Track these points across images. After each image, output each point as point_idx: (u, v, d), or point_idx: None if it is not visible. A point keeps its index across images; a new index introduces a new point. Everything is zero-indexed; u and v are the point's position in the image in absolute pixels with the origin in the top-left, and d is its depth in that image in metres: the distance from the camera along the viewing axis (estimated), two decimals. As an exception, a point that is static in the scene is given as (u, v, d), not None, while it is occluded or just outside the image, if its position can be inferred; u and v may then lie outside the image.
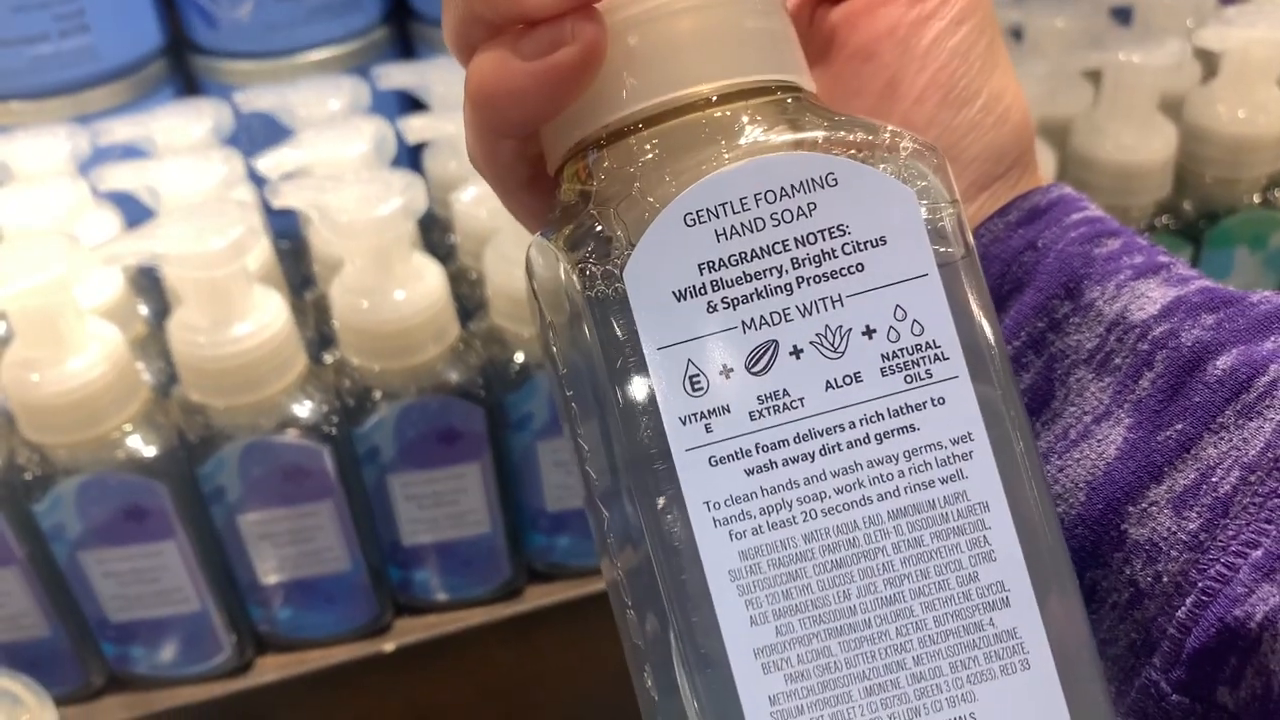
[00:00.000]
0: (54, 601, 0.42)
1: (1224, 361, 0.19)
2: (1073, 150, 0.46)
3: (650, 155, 0.17)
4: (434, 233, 0.49)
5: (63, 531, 0.40)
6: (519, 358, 0.42)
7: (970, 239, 0.17)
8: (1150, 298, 0.20)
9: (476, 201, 0.39)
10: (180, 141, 0.45)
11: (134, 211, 0.44)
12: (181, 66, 0.55)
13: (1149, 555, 0.19)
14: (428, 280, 0.40)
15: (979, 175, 0.22)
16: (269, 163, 0.41)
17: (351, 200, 0.38)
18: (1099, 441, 0.20)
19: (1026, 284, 0.21)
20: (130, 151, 0.45)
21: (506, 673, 0.48)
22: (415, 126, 0.43)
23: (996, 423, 0.16)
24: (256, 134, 0.46)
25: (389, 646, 0.45)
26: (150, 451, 0.39)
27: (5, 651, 0.42)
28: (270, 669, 0.45)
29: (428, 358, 0.41)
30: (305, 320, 0.46)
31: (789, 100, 0.18)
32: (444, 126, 0.44)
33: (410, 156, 0.50)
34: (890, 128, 0.17)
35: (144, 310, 0.46)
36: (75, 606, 0.42)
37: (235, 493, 0.41)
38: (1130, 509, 0.19)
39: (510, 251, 0.41)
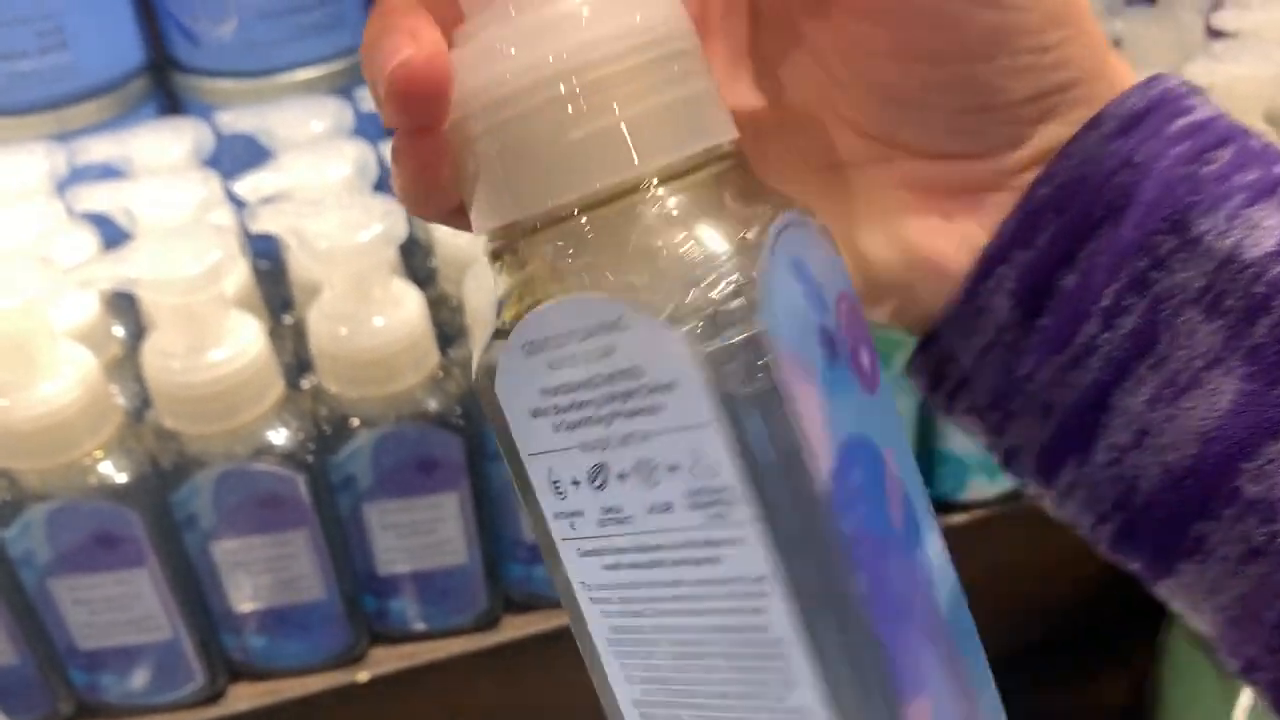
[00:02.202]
0: (22, 629, 0.41)
1: None
2: None
3: (545, 256, 0.17)
4: (415, 257, 0.49)
5: (32, 558, 0.39)
6: (498, 387, 0.41)
7: (809, 359, 0.17)
8: (1266, 228, 0.19)
9: (457, 230, 0.39)
10: (159, 161, 0.44)
11: (111, 231, 0.44)
12: (163, 84, 0.54)
13: (1265, 514, 0.19)
14: (407, 307, 0.40)
15: (1046, 87, 0.20)
16: (248, 186, 0.41)
17: (331, 226, 0.38)
18: (1210, 391, 0.19)
19: (1124, 212, 0.19)
20: (108, 171, 0.45)
21: (483, 703, 0.47)
22: (398, 150, 0.43)
23: (804, 559, 0.17)
24: (237, 155, 0.46)
25: (363, 676, 0.45)
26: (122, 478, 0.39)
27: (-29, 679, 0.42)
28: (243, 698, 0.44)
29: (406, 386, 0.40)
30: (283, 344, 0.45)
31: (666, 197, 0.17)
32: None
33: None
34: (748, 235, 0.17)
35: (119, 332, 0.45)
36: (44, 634, 0.41)
37: (209, 520, 0.40)
38: (1245, 465, 0.19)
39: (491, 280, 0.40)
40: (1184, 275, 0.19)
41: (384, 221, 0.38)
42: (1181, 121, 0.20)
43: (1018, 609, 0.57)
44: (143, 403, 0.43)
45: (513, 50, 0.17)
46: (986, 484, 0.50)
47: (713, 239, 0.17)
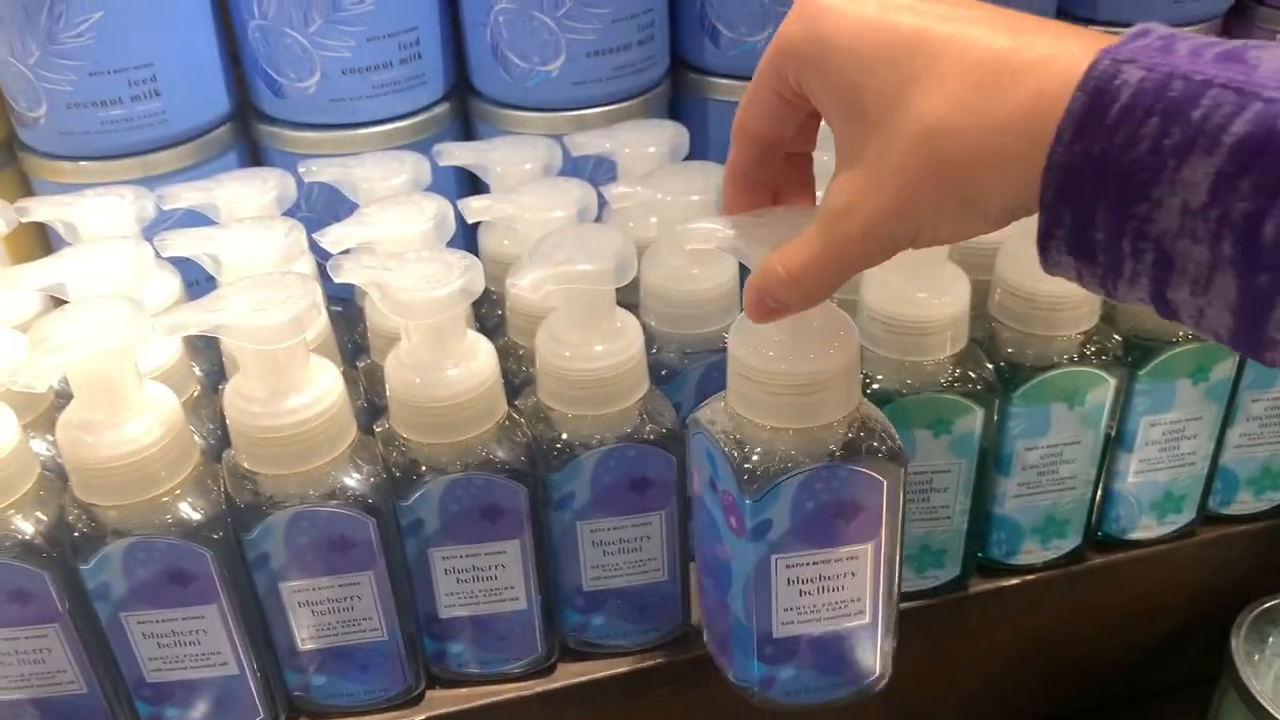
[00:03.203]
0: (93, 659, 0.42)
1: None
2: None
3: None
4: (484, 306, 0.50)
5: (107, 591, 0.40)
6: (564, 437, 0.42)
7: None
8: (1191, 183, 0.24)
9: (531, 286, 0.40)
10: (244, 209, 0.46)
11: (192, 270, 0.45)
12: (246, 132, 0.56)
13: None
14: (480, 359, 0.41)
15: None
16: (333, 238, 0.42)
17: (412, 279, 0.39)
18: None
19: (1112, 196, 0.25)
20: (194, 216, 0.46)
21: (535, 749, 0.48)
22: (475, 207, 0.44)
23: None
24: (317, 204, 0.48)
25: (420, 717, 0.45)
26: (199, 517, 0.40)
27: (42, 707, 0.43)
28: (302, 735, 0.45)
29: (476, 434, 0.41)
30: (356, 389, 0.47)
31: None
32: (502, 208, 0.45)
33: (464, 226, 0.52)
34: None
35: (198, 371, 0.47)
36: (114, 665, 0.42)
37: (280, 560, 0.41)
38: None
39: (562, 333, 0.41)
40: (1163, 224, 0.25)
41: (463, 277, 0.39)
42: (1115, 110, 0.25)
43: (1067, 673, 0.57)
44: (219, 441, 0.44)
45: None
46: (1039, 549, 0.50)
47: None
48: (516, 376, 0.46)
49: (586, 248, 0.40)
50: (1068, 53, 0.26)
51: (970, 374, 0.44)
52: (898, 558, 0.40)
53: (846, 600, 0.40)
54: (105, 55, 0.49)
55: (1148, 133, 0.24)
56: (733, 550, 0.40)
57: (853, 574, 0.39)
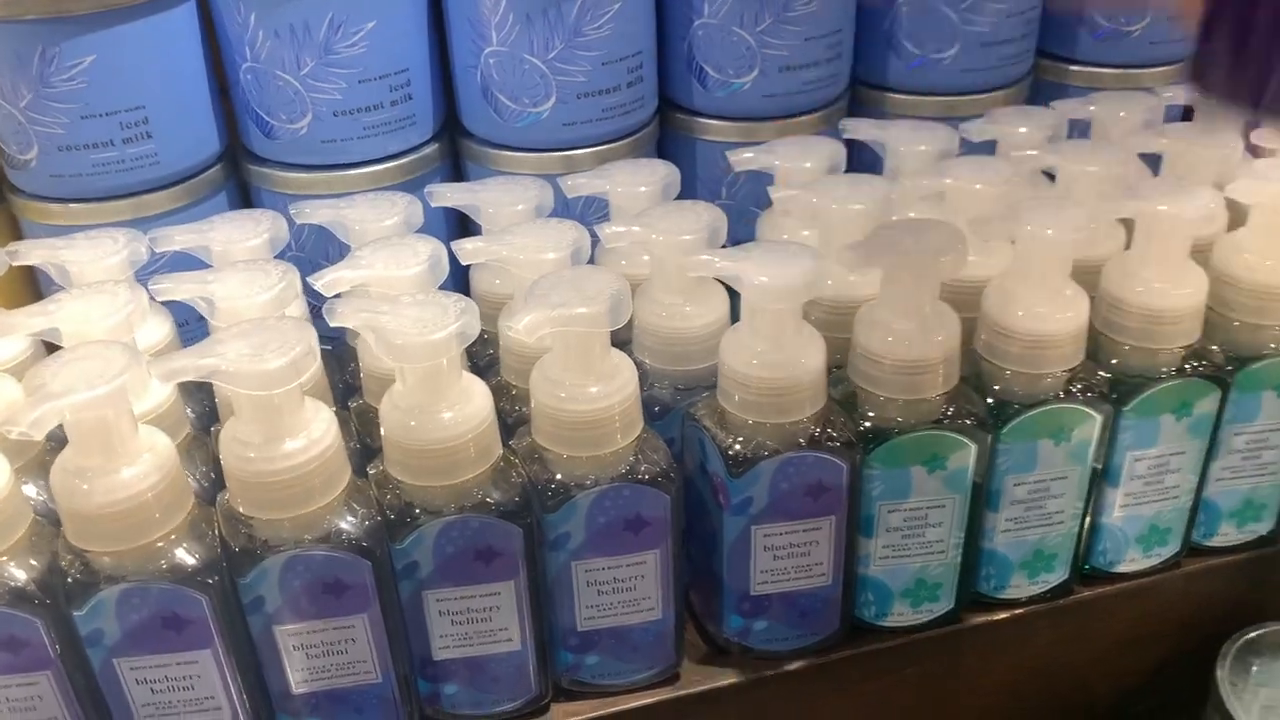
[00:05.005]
0: (85, 707, 0.42)
1: None
2: (1105, 292, 0.47)
3: None
4: (476, 344, 0.50)
5: (101, 637, 0.40)
6: (559, 478, 0.42)
7: None
8: None
9: (527, 330, 0.40)
10: (236, 251, 0.46)
11: (182, 310, 0.45)
12: (237, 172, 0.57)
13: None
14: (475, 401, 0.41)
15: None
16: (327, 281, 0.42)
17: (407, 323, 0.39)
18: None
19: None
20: (187, 259, 0.46)
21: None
22: (468, 249, 0.45)
23: None
24: (308, 244, 0.48)
25: (413, 760, 0.45)
26: (194, 562, 0.40)
27: (33, 754, 0.42)
28: (294, 779, 0.45)
29: (471, 477, 0.41)
30: (348, 430, 0.47)
31: None
32: (495, 249, 0.45)
33: (455, 266, 0.52)
34: None
35: (190, 413, 0.47)
36: (106, 713, 0.42)
37: (274, 603, 0.41)
38: None
39: (556, 374, 0.42)
40: None
41: (458, 320, 0.39)
42: None
43: (1056, 704, 0.57)
44: (212, 484, 0.44)
45: None
46: (1027, 583, 0.50)
47: None
48: (510, 416, 0.47)
49: (581, 290, 0.41)
50: None
51: (963, 410, 0.45)
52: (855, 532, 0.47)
53: (811, 564, 0.47)
54: (97, 98, 0.49)
55: None
56: (719, 522, 0.46)
57: (818, 543, 0.46)
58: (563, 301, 0.40)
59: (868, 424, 0.44)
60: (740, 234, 0.46)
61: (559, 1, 0.51)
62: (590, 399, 0.41)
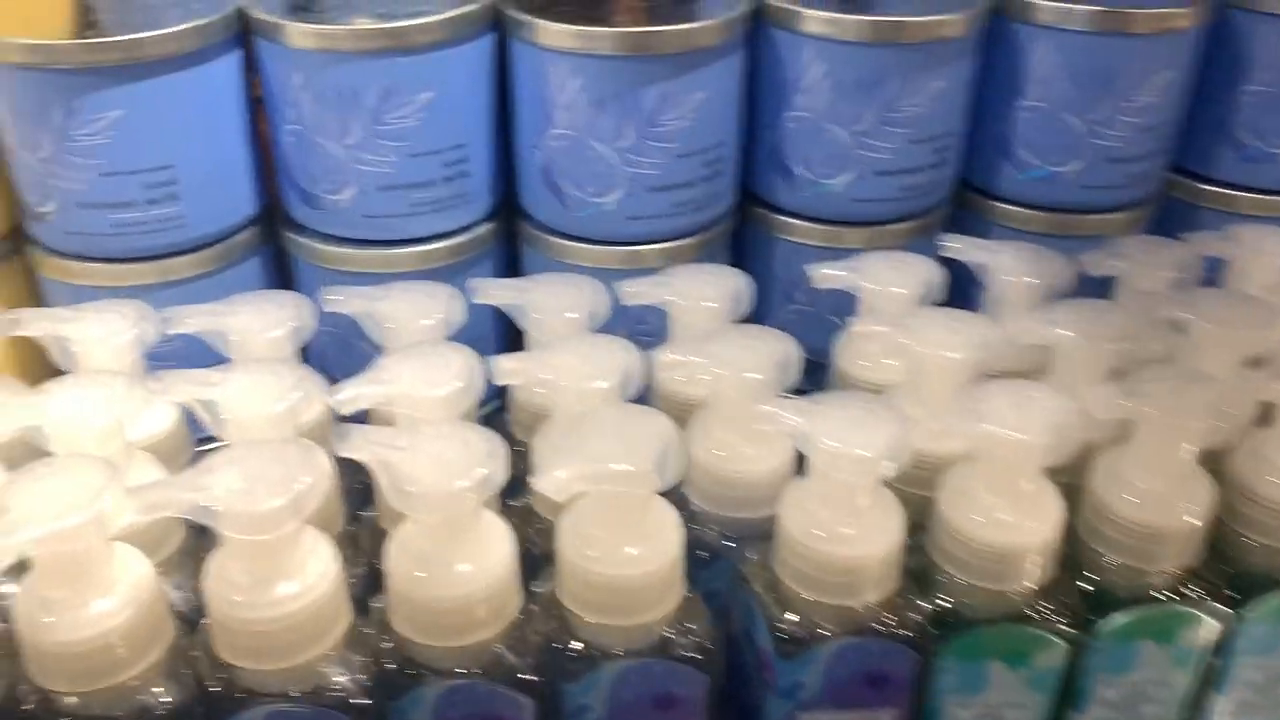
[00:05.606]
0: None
1: None
2: (1234, 478, 0.41)
3: None
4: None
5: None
6: (583, 645, 0.37)
7: None
8: None
9: (556, 489, 0.35)
10: (255, 343, 0.42)
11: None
12: (272, 237, 0.52)
13: None
14: (495, 552, 0.36)
15: None
16: (346, 397, 0.38)
17: (425, 467, 0.34)
18: None
19: None
20: (198, 345, 0.42)
21: None
22: (507, 368, 0.40)
23: None
24: (343, 322, 0.43)
25: None
26: (168, 705, 0.35)
27: None
28: None
29: (483, 638, 0.36)
30: (355, 550, 0.42)
31: None
32: (536, 371, 0.40)
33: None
34: None
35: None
36: None
37: (250, 758, 0.36)
38: None
39: (587, 527, 0.37)
40: None
41: (487, 465, 0.34)
42: None
43: None
44: (196, 610, 0.40)
45: None
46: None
47: None
48: (535, 546, 0.42)
49: (625, 438, 0.35)
50: None
51: (1059, 604, 0.39)
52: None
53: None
54: (121, 156, 0.45)
55: None
56: (761, 700, 0.41)
57: None
58: (602, 453, 0.35)
59: (944, 609, 0.39)
60: (815, 344, 0.41)
61: (635, 87, 0.46)
62: (625, 562, 0.36)
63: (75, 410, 0.37)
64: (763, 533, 0.42)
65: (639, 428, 0.36)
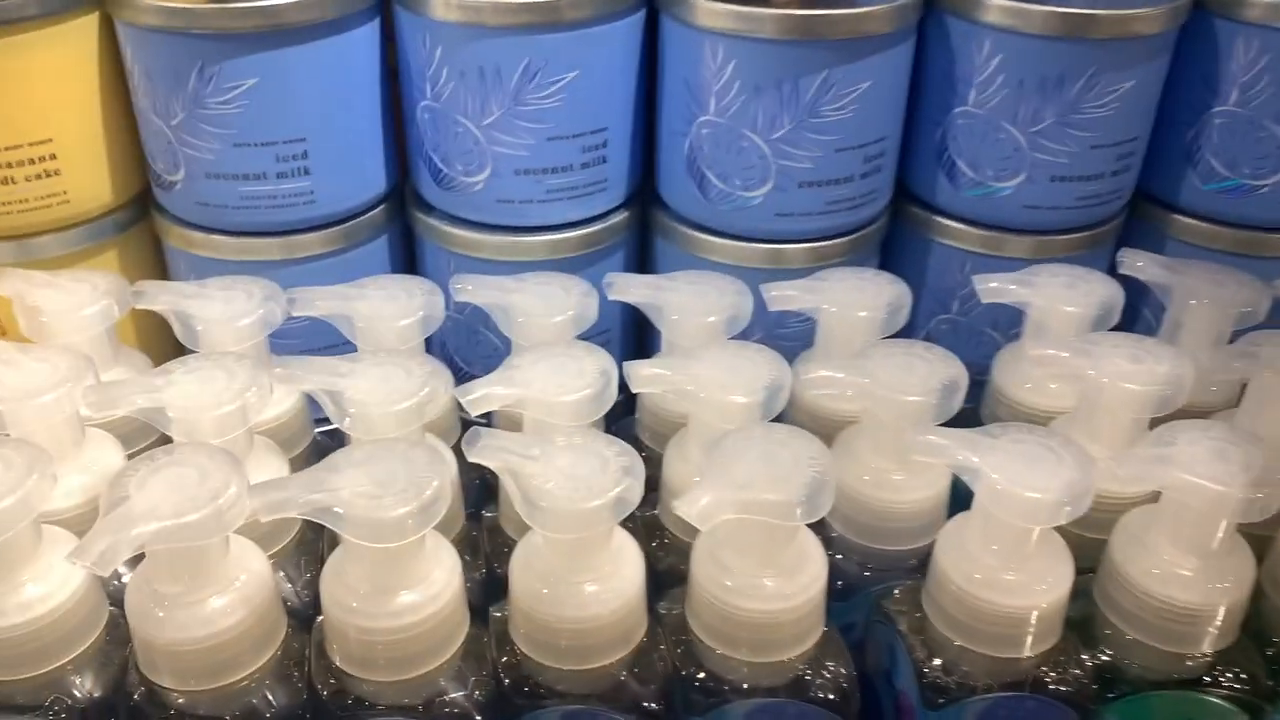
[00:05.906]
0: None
1: None
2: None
3: None
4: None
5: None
6: (711, 678, 0.35)
7: None
8: None
9: (702, 516, 0.32)
10: (382, 330, 0.40)
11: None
12: (401, 215, 0.50)
13: None
14: (625, 574, 0.34)
15: None
16: (477, 397, 0.36)
17: (556, 481, 0.32)
18: None
19: None
20: (322, 328, 0.40)
21: None
22: (644, 375, 0.37)
23: None
24: (467, 307, 0.41)
25: None
26: (275, 710, 0.34)
27: None
28: None
29: (607, 662, 0.34)
30: (475, 552, 0.40)
31: None
32: (675, 379, 0.37)
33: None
34: None
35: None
36: None
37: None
38: None
39: (725, 555, 0.34)
40: None
41: (619, 485, 0.32)
42: None
43: None
44: (309, 606, 0.38)
45: None
46: None
47: None
48: (660, 562, 0.39)
49: (773, 465, 0.32)
50: None
51: (1238, 672, 0.35)
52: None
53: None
54: (253, 126, 0.43)
55: None
56: None
57: None
58: (748, 480, 0.32)
59: (1110, 668, 0.35)
60: (965, 358, 0.37)
61: (796, 74, 0.43)
62: (765, 596, 0.33)
63: (197, 396, 0.36)
64: (907, 567, 0.39)
65: (790, 451, 0.33)
